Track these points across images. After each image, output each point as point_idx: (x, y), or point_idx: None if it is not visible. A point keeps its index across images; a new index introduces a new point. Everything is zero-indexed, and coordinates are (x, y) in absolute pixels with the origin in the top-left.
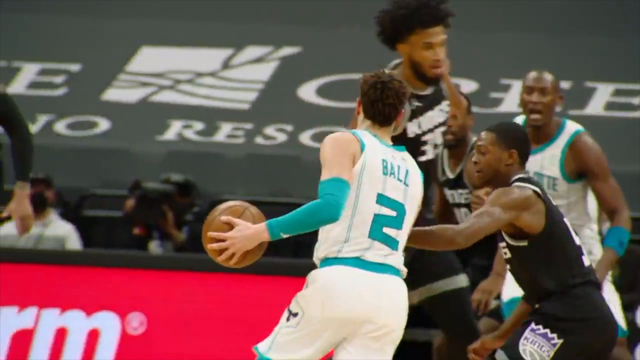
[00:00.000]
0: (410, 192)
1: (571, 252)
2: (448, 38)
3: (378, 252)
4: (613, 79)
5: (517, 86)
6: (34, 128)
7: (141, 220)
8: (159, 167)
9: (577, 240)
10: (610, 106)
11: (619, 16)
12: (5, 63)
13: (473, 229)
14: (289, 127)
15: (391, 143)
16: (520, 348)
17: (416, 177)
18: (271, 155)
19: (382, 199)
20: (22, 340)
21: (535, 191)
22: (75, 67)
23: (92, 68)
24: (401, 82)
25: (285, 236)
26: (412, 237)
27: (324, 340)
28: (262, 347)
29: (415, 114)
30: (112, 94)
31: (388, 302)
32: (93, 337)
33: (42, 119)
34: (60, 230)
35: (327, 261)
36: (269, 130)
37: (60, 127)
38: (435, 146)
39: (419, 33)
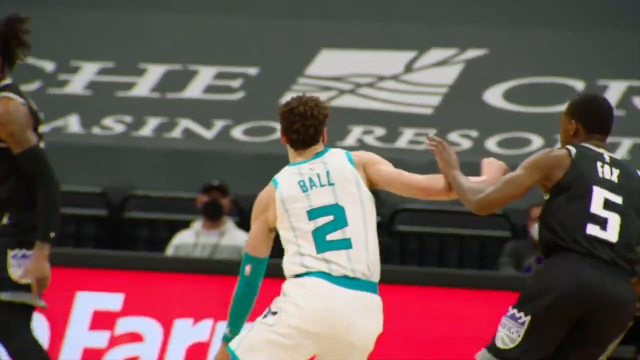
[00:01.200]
0: (338, 185)
1: (576, 215)
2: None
3: (338, 264)
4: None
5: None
6: (209, 133)
7: None
8: None
9: (597, 210)
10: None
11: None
12: (181, 66)
13: (490, 199)
14: (474, 133)
15: (315, 153)
16: (497, 336)
17: (338, 167)
18: None
19: (312, 213)
20: (197, 354)
21: (568, 150)
22: (253, 71)
23: (270, 72)
24: (315, 102)
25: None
26: (449, 181)
27: (293, 351)
28: (233, 344)
29: None
30: None
31: (357, 322)
32: None
33: (219, 124)
34: (236, 240)
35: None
36: (453, 136)
37: (237, 132)
38: None
39: None
